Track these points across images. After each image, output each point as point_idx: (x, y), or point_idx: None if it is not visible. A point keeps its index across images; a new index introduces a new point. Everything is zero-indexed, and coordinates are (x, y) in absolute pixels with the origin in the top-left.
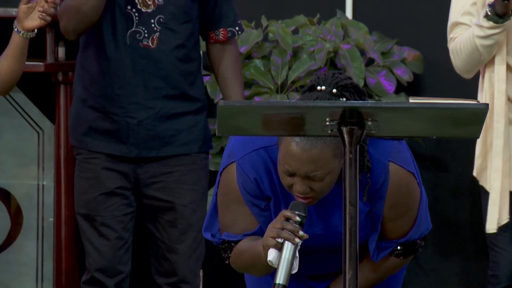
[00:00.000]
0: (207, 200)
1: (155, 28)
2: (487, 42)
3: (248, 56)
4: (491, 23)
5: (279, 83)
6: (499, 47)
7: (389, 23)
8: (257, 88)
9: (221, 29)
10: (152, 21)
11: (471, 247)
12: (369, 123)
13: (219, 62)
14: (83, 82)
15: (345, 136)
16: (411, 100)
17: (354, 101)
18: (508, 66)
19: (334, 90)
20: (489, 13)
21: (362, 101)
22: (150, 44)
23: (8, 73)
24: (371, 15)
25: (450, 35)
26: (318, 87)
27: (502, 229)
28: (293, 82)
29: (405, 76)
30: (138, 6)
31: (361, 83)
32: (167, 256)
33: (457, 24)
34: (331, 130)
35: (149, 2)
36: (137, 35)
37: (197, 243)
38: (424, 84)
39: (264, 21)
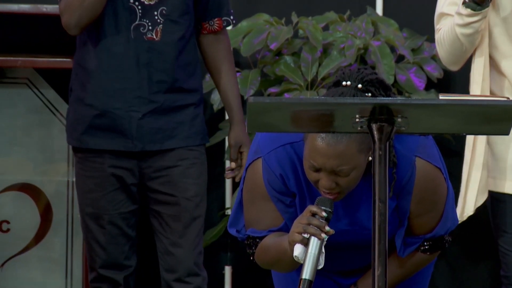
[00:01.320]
0: (206, 195)
1: (159, 20)
2: (467, 30)
3: (278, 53)
4: (469, 11)
5: (309, 79)
6: (481, 39)
7: (419, 20)
8: (287, 85)
9: (216, 19)
10: (155, 13)
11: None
12: (399, 119)
13: (213, 53)
14: (80, 80)
15: (375, 133)
16: (441, 97)
17: (383, 98)
18: (491, 60)
19: (360, 85)
20: (467, 0)
21: (392, 98)
22: (154, 37)
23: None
24: (401, 12)
25: (436, 26)
26: (344, 82)
27: (509, 230)
28: (323, 79)
29: (435, 72)
30: None
31: (391, 80)
32: (171, 251)
33: (443, 15)
34: (361, 127)
35: None
36: (141, 28)
37: (200, 237)
38: (454, 80)
39: (294, 18)
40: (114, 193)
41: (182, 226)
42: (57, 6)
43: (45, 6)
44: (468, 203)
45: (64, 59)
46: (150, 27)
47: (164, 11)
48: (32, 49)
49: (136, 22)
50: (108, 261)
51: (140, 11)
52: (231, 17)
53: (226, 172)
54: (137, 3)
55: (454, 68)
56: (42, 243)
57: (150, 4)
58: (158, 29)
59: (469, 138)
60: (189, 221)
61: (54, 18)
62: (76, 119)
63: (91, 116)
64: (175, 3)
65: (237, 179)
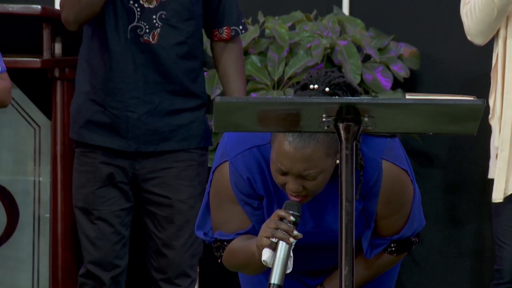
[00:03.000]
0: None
1: (157, 24)
2: None
3: (245, 52)
4: None
5: (276, 79)
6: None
7: (385, 20)
8: (254, 84)
9: (225, 28)
10: (154, 16)
11: (467, 244)
12: (366, 119)
13: (222, 60)
14: (85, 74)
15: (342, 132)
16: (407, 96)
17: (350, 97)
18: None
19: (327, 89)
20: None
21: (359, 97)
22: (151, 40)
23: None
24: (368, 11)
25: (463, 1)
26: (311, 86)
27: (507, 224)
28: (289, 78)
29: (402, 72)
30: (141, 2)
31: (357, 79)
32: (163, 252)
33: None
34: (328, 126)
35: None
36: (138, 30)
37: (193, 239)
38: (421, 80)
39: (260, 17)
40: (104, 189)
41: (176, 228)
42: (23, 5)
43: (11, 5)
44: (510, 180)
45: (31, 59)
46: (147, 30)
47: (163, 16)
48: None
49: (134, 24)
50: (97, 257)
51: (138, 13)
52: (241, 27)
53: None
54: (136, 5)
55: (479, 40)
56: (8, 242)
57: (149, 7)
58: (155, 33)
59: (507, 116)
60: (183, 223)
61: (21, 18)
62: (78, 112)
63: (92, 111)
64: (176, 8)
65: None
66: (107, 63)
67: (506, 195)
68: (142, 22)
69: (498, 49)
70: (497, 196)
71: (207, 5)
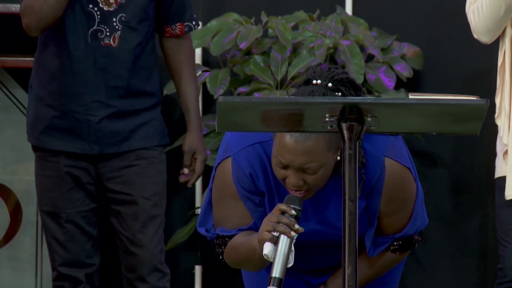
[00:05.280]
0: (166, 195)
1: (117, 27)
2: None
3: (248, 52)
4: None
5: (279, 79)
6: None
7: (388, 19)
8: (257, 84)
9: (178, 24)
10: (114, 19)
11: (471, 243)
12: (369, 119)
13: (175, 57)
14: (40, 80)
15: (345, 132)
16: (410, 96)
17: (353, 97)
18: None
19: (330, 84)
20: None
21: (362, 97)
22: (112, 43)
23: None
24: (371, 11)
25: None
26: (314, 81)
27: (509, 222)
28: (292, 78)
29: (405, 72)
30: (100, 5)
31: (361, 79)
32: (131, 250)
33: None
34: (331, 126)
35: (111, 1)
36: (99, 33)
37: (159, 236)
38: (424, 80)
39: (263, 17)
40: (70, 192)
41: (141, 225)
42: None
43: (14, 5)
44: None
45: (32, 59)
46: (108, 33)
47: (123, 18)
48: (1, 49)
49: (94, 27)
50: (68, 259)
51: (98, 16)
52: (193, 22)
53: (180, 175)
54: (96, 9)
55: (486, 38)
56: (11, 242)
57: (109, 10)
58: (116, 36)
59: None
60: (147, 220)
61: None
62: (36, 118)
63: (50, 116)
64: (134, 10)
65: (189, 185)
66: (67, 67)
67: None
68: (103, 26)
69: (505, 47)
70: (510, 192)
71: (160, 3)
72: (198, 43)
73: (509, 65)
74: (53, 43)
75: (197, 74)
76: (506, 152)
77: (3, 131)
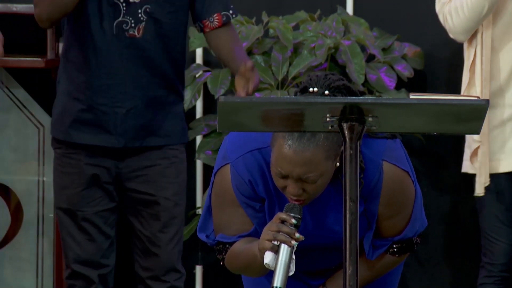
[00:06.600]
0: (185, 194)
1: (142, 18)
2: None
3: (249, 52)
4: None
5: (280, 79)
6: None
7: (389, 19)
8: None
9: (215, 15)
10: (139, 11)
11: (471, 244)
12: (370, 119)
13: (220, 46)
14: (68, 74)
15: (346, 132)
16: (411, 96)
17: (354, 97)
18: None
19: (326, 92)
20: None
21: (362, 97)
22: (136, 34)
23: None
24: (372, 11)
25: (442, 0)
26: (310, 89)
27: (496, 220)
28: (293, 78)
29: (406, 72)
30: None
31: (361, 79)
32: (150, 249)
33: None
34: (331, 126)
35: None
36: (124, 25)
37: (179, 237)
38: (425, 80)
39: (264, 17)
40: (89, 191)
41: (162, 225)
42: (27, 5)
43: (15, 5)
44: (486, 174)
45: (35, 59)
46: (132, 24)
47: (148, 9)
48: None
49: (120, 19)
50: (82, 258)
51: (124, 8)
52: (231, 11)
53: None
54: (121, 1)
55: (464, 37)
56: (12, 242)
57: (134, 2)
58: (140, 27)
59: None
60: (169, 220)
61: (25, 18)
62: (63, 112)
63: (77, 110)
64: (160, 2)
65: (249, 92)
66: (92, 60)
67: (485, 187)
68: (128, 17)
69: (476, 44)
70: (480, 190)
71: None
72: (199, 43)
73: (480, 61)
74: (78, 36)
75: (198, 74)
76: (475, 151)
77: (4, 131)
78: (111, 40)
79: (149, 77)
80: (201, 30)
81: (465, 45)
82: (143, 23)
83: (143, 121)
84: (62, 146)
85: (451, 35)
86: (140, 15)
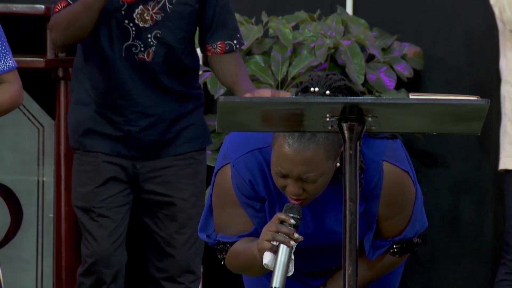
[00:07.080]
0: (205, 195)
1: (152, 43)
2: None
3: (249, 52)
4: None
5: (280, 79)
6: None
7: (389, 19)
8: (258, 84)
9: (219, 43)
10: (149, 35)
11: (471, 244)
12: (369, 119)
13: (220, 74)
14: (84, 85)
15: (345, 132)
16: (411, 96)
17: (354, 97)
18: None
19: (328, 92)
20: None
21: (362, 97)
22: (145, 58)
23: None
24: (372, 11)
25: None
26: (312, 89)
27: None
28: (293, 78)
29: (406, 72)
30: (136, 21)
31: (361, 79)
32: (166, 250)
33: None
34: (331, 126)
35: (147, 18)
36: (133, 48)
37: (196, 237)
38: (425, 80)
39: (264, 17)
40: (105, 188)
41: (178, 226)
42: (27, 5)
43: (15, 5)
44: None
45: (35, 59)
46: (142, 48)
47: (158, 35)
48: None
49: (129, 42)
50: (99, 254)
51: (133, 32)
52: (235, 41)
53: None
54: (131, 24)
55: None
56: (12, 242)
57: (144, 26)
58: (150, 51)
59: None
60: (185, 221)
61: (25, 18)
62: (77, 122)
63: (92, 120)
64: (170, 27)
65: None
66: (106, 79)
67: None
68: (137, 41)
69: None
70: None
71: (201, 20)
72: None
73: None
74: (92, 54)
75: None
76: None
77: (3, 131)
78: (120, 62)
79: (161, 96)
80: (204, 52)
81: None
82: (153, 48)
83: (157, 137)
84: (81, 149)
85: (508, 27)
86: (150, 40)
